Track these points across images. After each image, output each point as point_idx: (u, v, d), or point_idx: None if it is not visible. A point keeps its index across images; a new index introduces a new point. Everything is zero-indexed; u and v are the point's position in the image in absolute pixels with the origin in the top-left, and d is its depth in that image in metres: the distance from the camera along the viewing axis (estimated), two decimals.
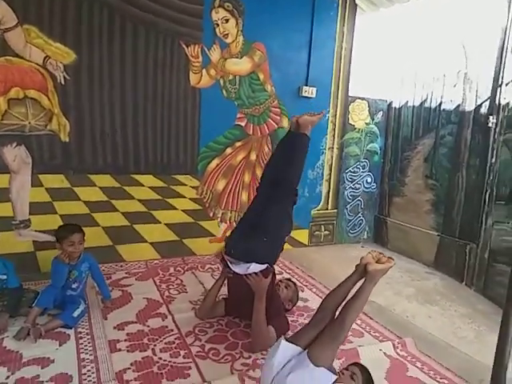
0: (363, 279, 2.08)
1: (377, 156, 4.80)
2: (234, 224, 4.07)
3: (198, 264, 3.73)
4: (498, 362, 1.97)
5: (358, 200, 4.79)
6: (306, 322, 2.79)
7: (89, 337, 2.45)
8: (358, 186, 4.75)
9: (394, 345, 2.54)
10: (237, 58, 3.80)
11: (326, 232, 4.67)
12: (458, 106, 3.94)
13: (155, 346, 2.41)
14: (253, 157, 4.05)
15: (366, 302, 2.02)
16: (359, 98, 4.55)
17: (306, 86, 4.14)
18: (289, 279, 3.05)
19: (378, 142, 4.77)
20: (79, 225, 2.74)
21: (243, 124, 3.95)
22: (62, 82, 3.17)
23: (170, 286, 3.25)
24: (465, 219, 3.86)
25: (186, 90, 3.63)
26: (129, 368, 2.18)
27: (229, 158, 3.93)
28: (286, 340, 1.92)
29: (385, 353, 2.48)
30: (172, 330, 2.59)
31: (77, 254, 2.66)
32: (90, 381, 2.06)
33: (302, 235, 4.48)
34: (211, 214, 3.96)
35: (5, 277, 2.60)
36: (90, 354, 2.28)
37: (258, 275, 2.44)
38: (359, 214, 4.83)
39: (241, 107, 3.91)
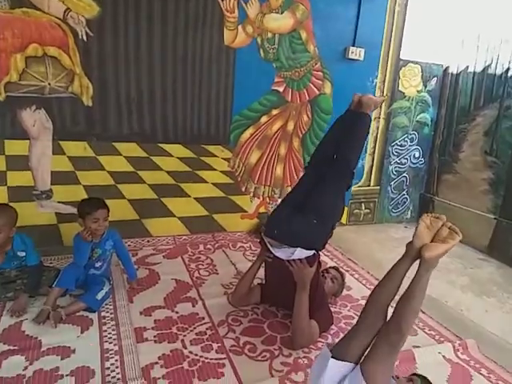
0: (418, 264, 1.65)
1: (427, 128, 4.32)
2: (268, 200, 3.77)
3: (228, 242, 3.46)
4: None
5: (404, 176, 4.37)
6: (351, 314, 2.55)
7: (113, 323, 2.24)
8: (404, 160, 4.32)
9: (454, 347, 2.22)
10: (277, 13, 3.36)
11: (367, 210, 4.30)
12: None
13: (185, 336, 2.17)
14: (290, 126, 3.67)
15: (423, 297, 1.60)
16: (412, 62, 4.04)
17: (354, 46, 3.66)
18: (336, 268, 2.71)
19: (430, 112, 4.28)
20: (103, 199, 2.48)
21: (281, 89, 3.54)
22: (85, 39, 2.84)
23: (200, 266, 3.01)
24: None
25: (219, 49, 3.24)
26: (156, 363, 1.95)
27: (264, 128, 3.56)
28: (332, 354, 1.60)
29: (444, 356, 2.17)
30: (203, 318, 2.35)
31: (101, 231, 2.41)
32: (114, 377, 1.84)
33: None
34: (243, 189, 3.65)
35: (23, 254, 2.39)
36: (115, 344, 2.06)
37: (302, 262, 2.13)
38: (403, 192, 4.42)
39: (279, 70, 3.50)
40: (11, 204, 2.91)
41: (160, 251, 3.19)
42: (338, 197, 2.30)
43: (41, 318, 2.17)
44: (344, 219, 4.18)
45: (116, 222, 3.21)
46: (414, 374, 1.76)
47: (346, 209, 4.11)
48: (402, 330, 1.50)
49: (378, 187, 4.27)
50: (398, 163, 4.30)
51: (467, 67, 3.97)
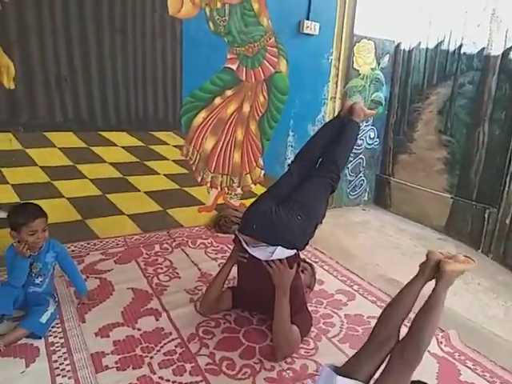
0: (434, 281, 1.62)
1: (381, 107, 4.25)
2: (226, 190, 3.49)
3: (187, 239, 3.15)
4: None
5: (360, 158, 4.29)
6: (328, 311, 2.39)
7: (64, 350, 1.88)
8: (360, 141, 4.22)
9: (437, 339, 2.14)
10: None
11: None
12: (483, 49, 3.40)
13: (152, 358, 1.87)
14: (246, 108, 3.38)
15: (441, 312, 1.56)
16: (365, 38, 3.91)
17: (308, 20, 3.43)
18: (303, 260, 2.54)
19: (384, 90, 4.20)
20: (38, 205, 2.06)
21: (235, 67, 3.23)
22: None
23: (159, 270, 2.68)
24: (484, 180, 3.46)
25: (163, 20, 2.84)
26: None
27: (218, 111, 3.24)
28: (340, 373, 1.43)
29: (429, 351, 2.07)
30: (170, 334, 2.06)
31: (40, 244, 2.00)
32: None
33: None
34: (199, 179, 3.33)
35: None
36: (69, 377, 1.72)
37: (282, 263, 1.91)
38: (360, 174, 4.36)
39: (232, 45, 3.17)
40: None
41: (110, 255, 2.80)
42: (322, 197, 2.15)
43: None
44: None
45: (55, 225, 2.77)
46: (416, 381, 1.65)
47: None
48: (419, 348, 1.45)
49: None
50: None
51: (419, 43, 3.91)
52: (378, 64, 4.07)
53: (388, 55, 4.10)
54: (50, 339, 1.94)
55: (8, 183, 2.59)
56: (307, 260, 2.60)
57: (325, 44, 3.66)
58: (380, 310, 2.36)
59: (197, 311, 2.26)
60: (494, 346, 2.20)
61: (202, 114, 3.19)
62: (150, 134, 3.02)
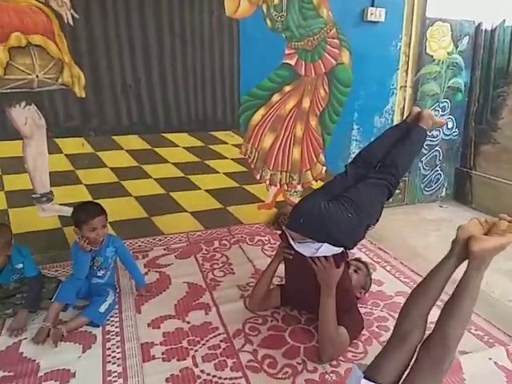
0: (466, 263, 1.39)
1: (460, 94, 3.86)
2: (286, 187, 3.46)
3: (245, 236, 3.19)
4: None
5: (436, 150, 3.95)
6: (384, 314, 2.25)
7: (118, 338, 2.02)
8: (435, 133, 3.89)
9: (507, 350, 1.90)
10: None
11: (396, 191, 3.90)
12: None
13: (196, 351, 1.93)
14: (306, 103, 3.31)
15: (474, 303, 1.35)
16: (440, 20, 3.57)
17: (373, 6, 3.24)
18: (358, 259, 2.43)
19: (463, 76, 3.81)
20: (99, 203, 2.25)
21: (293, 62, 3.17)
22: (71, 23, 2.57)
23: (215, 266, 2.76)
24: None
25: (220, 22, 2.89)
26: None
27: (277, 107, 3.22)
28: (365, 376, 1.33)
29: (496, 362, 1.85)
30: (217, 329, 2.10)
31: (100, 240, 2.18)
32: None
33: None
34: (258, 177, 3.35)
35: (21, 265, 2.19)
36: (118, 365, 1.84)
37: (328, 261, 1.84)
38: (437, 168, 4.01)
39: (290, 40, 3.12)
40: (11, 210, 2.76)
41: (172, 251, 2.96)
42: (377, 199, 2.01)
43: (40, 337, 1.98)
44: None
45: (124, 222, 3.03)
46: None
47: None
48: (447, 344, 1.27)
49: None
50: (429, 136, 3.85)
51: (504, 21, 3.47)
52: (456, 47, 3.70)
53: (467, 37, 3.70)
54: (107, 328, 2.10)
55: (82, 183, 2.86)
56: (363, 259, 2.47)
57: (392, 30, 3.43)
58: None
59: (246, 307, 2.28)
60: None
61: (261, 112, 3.19)
62: (210, 133, 3.11)
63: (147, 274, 2.62)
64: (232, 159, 3.23)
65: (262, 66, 3.11)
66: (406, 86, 3.63)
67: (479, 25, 3.69)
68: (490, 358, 1.87)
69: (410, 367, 1.34)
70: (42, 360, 1.87)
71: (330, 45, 3.25)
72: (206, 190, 3.22)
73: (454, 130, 3.94)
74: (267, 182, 3.39)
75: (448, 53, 3.68)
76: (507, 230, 1.36)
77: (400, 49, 3.50)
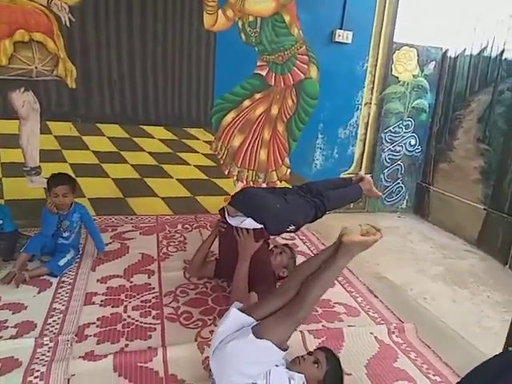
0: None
1: (424, 114, 4.18)
2: (252, 184, 3.83)
3: (208, 223, 3.57)
4: None
5: (398, 164, 4.27)
6: None
7: (69, 287, 2.43)
8: (399, 148, 4.21)
9: (389, 329, 2.21)
10: None
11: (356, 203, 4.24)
12: None
13: (130, 303, 2.32)
14: (274, 111, 3.70)
15: (334, 277, 1.74)
16: (407, 45, 3.93)
17: (341, 29, 3.62)
18: (286, 245, 2.78)
19: (428, 97, 4.13)
20: (69, 175, 2.68)
21: (264, 73, 3.58)
22: (68, 25, 3.04)
23: (171, 243, 3.15)
24: None
25: (199, 33, 3.33)
26: (93, 323, 2.11)
27: (247, 112, 3.62)
28: (241, 309, 1.69)
29: (376, 337, 2.16)
30: (153, 288, 2.48)
31: (62, 205, 2.60)
32: (51, 331, 2.02)
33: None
34: (226, 172, 3.74)
35: (0, 221, 2.64)
36: (63, 305, 2.24)
37: (249, 233, 2.26)
38: (398, 181, 4.32)
39: (262, 53, 3.53)
40: (4, 179, 3.23)
41: (139, 228, 3.36)
42: (303, 211, 2.39)
43: (7, 278, 2.40)
44: None
45: (101, 199, 3.45)
46: (320, 349, 1.80)
47: None
48: (304, 299, 1.59)
49: (370, 174, 4.19)
50: (392, 150, 4.20)
51: (464, 50, 3.79)
52: (422, 71, 4.03)
53: (434, 62, 4.03)
54: (63, 278, 2.51)
55: (67, 162, 3.31)
56: (290, 245, 2.80)
57: (359, 52, 3.80)
58: (353, 300, 2.53)
59: (184, 276, 2.65)
60: (455, 348, 2.17)
61: (232, 115, 3.60)
62: (184, 129, 3.53)
63: (111, 243, 3.03)
64: (203, 154, 3.63)
65: (236, 74, 3.53)
66: (370, 103, 3.98)
67: (446, 51, 4.02)
68: (371, 333, 2.18)
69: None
70: (4, 295, 2.28)
71: (299, 60, 3.64)
72: (178, 179, 3.63)
73: (416, 147, 4.25)
74: (234, 177, 3.77)
75: (413, 75, 4.02)
76: (373, 233, 1.76)
77: (366, 69, 3.86)
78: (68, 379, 1.71)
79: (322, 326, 2.24)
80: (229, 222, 2.33)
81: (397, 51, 3.91)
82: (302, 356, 1.73)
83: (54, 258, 2.57)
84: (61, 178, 2.62)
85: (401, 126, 4.14)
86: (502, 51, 3.39)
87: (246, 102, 3.60)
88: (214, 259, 2.67)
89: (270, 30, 3.50)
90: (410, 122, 4.15)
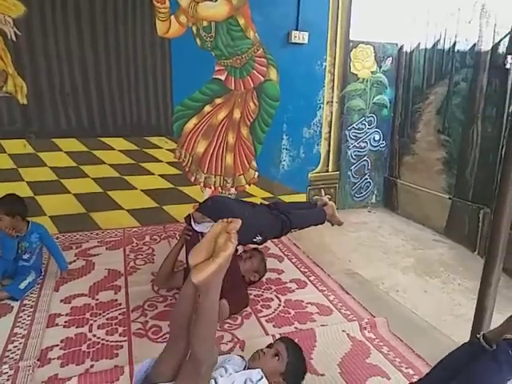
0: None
1: (386, 110, 4.24)
2: (220, 190, 3.79)
3: (178, 232, 3.49)
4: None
5: (365, 160, 4.31)
6: (271, 296, 2.56)
7: (31, 310, 2.32)
8: (363, 144, 4.26)
9: (360, 325, 2.20)
10: (211, 0, 3.36)
11: (327, 196, 4.23)
12: (474, 45, 3.32)
13: (95, 321, 2.23)
14: (237, 114, 3.67)
15: (212, 320, 1.41)
16: (363, 43, 3.98)
17: (296, 30, 3.63)
18: (255, 248, 2.74)
19: (387, 93, 4.20)
20: (10, 198, 2.55)
21: (223, 77, 3.55)
22: (14, 39, 2.93)
23: (139, 256, 3.06)
24: (479, 180, 3.32)
25: (152, 40, 3.28)
26: (57, 345, 2.02)
27: (208, 117, 3.58)
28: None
29: (348, 334, 2.15)
30: (120, 305, 2.40)
31: (5, 229, 2.45)
32: (12, 358, 1.91)
33: (298, 200, 4.10)
34: (193, 179, 3.68)
35: None
36: (25, 329, 2.14)
37: None
38: (366, 176, 4.36)
39: (219, 58, 3.50)
40: None
41: (105, 243, 3.26)
42: (270, 223, 2.44)
43: None
44: None
45: (63, 216, 3.34)
46: (279, 339, 1.78)
47: (304, 195, 4.12)
48: (196, 357, 1.36)
49: (338, 172, 4.23)
50: (357, 147, 4.24)
51: (419, 44, 3.87)
52: (380, 67, 4.10)
53: (390, 58, 4.11)
54: (25, 301, 2.40)
55: (24, 180, 3.18)
56: (258, 248, 2.77)
57: (317, 51, 3.82)
58: (325, 299, 2.51)
59: (152, 287, 2.58)
60: (427, 339, 2.18)
61: (193, 121, 3.55)
62: (145, 139, 3.46)
63: (75, 261, 2.92)
64: (167, 162, 3.56)
65: (194, 80, 3.48)
66: (332, 102, 4.01)
67: (401, 47, 4.10)
68: (343, 330, 2.17)
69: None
70: None
71: (257, 63, 3.63)
72: (142, 190, 3.54)
73: (381, 142, 4.31)
74: (201, 184, 3.72)
75: (372, 72, 4.07)
76: (222, 248, 1.35)
77: (325, 68, 3.89)
78: None
79: (295, 328, 2.21)
80: (194, 228, 2.29)
81: (354, 49, 3.96)
82: (262, 350, 1.70)
83: (15, 282, 2.46)
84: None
85: (364, 122, 4.18)
86: (454, 43, 3.48)
87: (207, 108, 3.56)
88: (182, 269, 2.60)
89: (226, 34, 3.48)
90: (372, 118, 4.20)
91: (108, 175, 3.41)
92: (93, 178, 3.38)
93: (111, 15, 3.12)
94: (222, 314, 2.20)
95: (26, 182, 3.19)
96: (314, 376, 1.85)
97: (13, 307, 2.34)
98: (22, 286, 2.44)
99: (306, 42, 3.68)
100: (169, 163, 3.57)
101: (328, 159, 4.16)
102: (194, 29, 3.38)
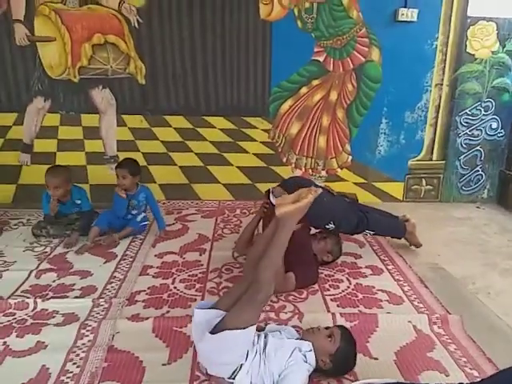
0: None
1: (507, 95, 3.74)
2: (310, 172, 3.83)
3: None
4: None
5: (477, 150, 3.89)
6: (342, 278, 2.57)
7: (131, 260, 2.72)
8: (477, 132, 3.84)
9: (430, 319, 2.07)
10: None
11: (429, 187, 3.98)
12: None
13: (178, 276, 2.53)
14: (333, 96, 3.64)
15: (281, 252, 1.72)
16: (483, 19, 3.56)
17: (405, 7, 3.42)
18: (334, 232, 2.74)
19: (510, 76, 3.70)
20: (132, 160, 3.03)
21: (321, 59, 3.54)
22: (136, 26, 3.37)
23: (227, 226, 3.31)
24: None
25: (255, 24, 3.43)
26: (144, 291, 2.36)
27: (304, 99, 3.63)
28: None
29: (414, 326, 2.04)
30: (202, 265, 2.67)
31: (124, 186, 2.94)
32: (108, 295, 2.30)
33: (394, 188, 3.93)
34: (284, 160, 3.79)
35: (79, 201, 3.05)
36: (122, 274, 2.53)
37: None
38: (477, 168, 3.94)
39: (319, 39, 3.50)
40: (88, 166, 3.69)
41: (201, 212, 3.59)
42: (349, 214, 2.60)
43: (81, 249, 2.80)
44: (400, 195, 3.96)
45: (170, 185, 3.78)
46: (340, 326, 1.79)
47: (402, 184, 3.93)
48: (257, 285, 1.58)
49: (443, 162, 3.91)
50: (469, 135, 3.85)
51: None
52: (503, 47, 3.62)
53: None
54: (127, 252, 2.82)
55: (139, 151, 3.66)
56: (337, 233, 2.76)
57: (427, 29, 3.54)
58: (398, 288, 2.45)
59: (233, 256, 2.79)
60: (507, 346, 1.97)
61: (289, 102, 3.64)
62: (243, 118, 3.67)
63: (174, 224, 3.30)
64: (261, 142, 3.73)
65: (293, 62, 3.55)
66: (442, 84, 3.69)
67: None
68: (409, 321, 2.06)
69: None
70: (77, 264, 2.65)
71: (359, 43, 3.53)
72: (238, 167, 3.78)
73: (499, 131, 3.83)
74: (293, 165, 3.81)
75: (493, 52, 3.62)
76: (303, 196, 1.73)
77: (436, 48, 3.59)
78: (113, 335, 1.94)
79: (359, 310, 2.20)
80: (272, 202, 2.42)
81: (471, 26, 3.57)
82: (318, 327, 1.75)
83: (132, 220, 3.02)
84: (122, 162, 2.98)
85: (479, 107, 3.77)
86: None
87: (304, 89, 3.61)
88: None
89: (328, 15, 3.45)
90: (490, 103, 3.76)
91: (209, 151, 3.72)
92: (196, 153, 3.72)
93: (219, 2, 3.35)
94: (287, 285, 2.30)
95: (142, 152, 3.67)
96: (366, 358, 1.83)
97: (117, 256, 2.77)
98: (139, 219, 3.04)
99: (414, 19, 3.45)
100: (263, 143, 3.74)
101: (433, 147, 3.87)
102: (296, 11, 3.43)
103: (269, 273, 1.62)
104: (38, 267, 2.58)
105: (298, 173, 3.82)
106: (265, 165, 3.79)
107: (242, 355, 1.57)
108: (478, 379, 1.68)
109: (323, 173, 3.83)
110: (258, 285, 1.58)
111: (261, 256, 1.68)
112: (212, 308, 1.65)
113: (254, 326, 1.56)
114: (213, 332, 1.52)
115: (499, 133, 3.85)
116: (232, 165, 3.77)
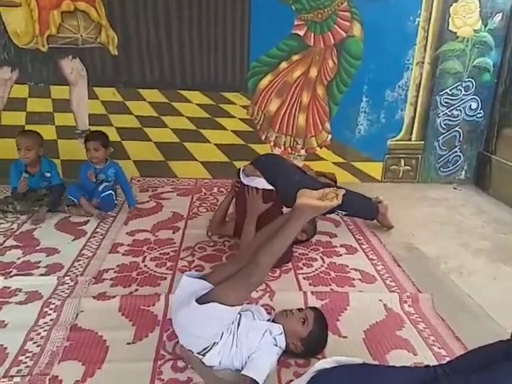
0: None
1: (488, 74, 3.72)
2: (289, 150, 3.77)
3: None
4: None
5: (456, 131, 3.88)
6: (316, 257, 2.55)
7: (101, 237, 2.64)
8: (456, 112, 3.82)
9: (401, 298, 2.07)
10: None
11: (407, 167, 3.96)
12: None
13: (149, 254, 2.46)
14: (313, 73, 3.55)
15: (287, 241, 1.63)
16: None
17: None
18: None
19: (492, 55, 3.66)
20: (102, 133, 2.95)
21: (302, 33, 3.43)
22: None
23: (203, 204, 3.24)
24: None
25: None
26: (112, 268, 2.29)
27: (284, 74, 3.53)
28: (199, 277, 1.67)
29: (385, 304, 2.04)
30: (174, 243, 2.60)
31: (94, 159, 2.88)
32: (74, 273, 2.23)
33: (373, 168, 3.90)
34: (263, 137, 3.71)
35: (49, 174, 2.94)
36: (91, 252, 2.46)
37: (258, 193, 2.36)
38: (456, 149, 3.94)
39: (299, 12, 3.38)
40: (59, 141, 3.54)
41: (177, 190, 3.51)
42: None
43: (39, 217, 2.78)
44: (378, 175, 3.94)
45: (146, 162, 3.66)
46: (312, 308, 1.76)
47: (381, 164, 3.91)
48: (258, 264, 1.54)
49: (422, 142, 3.89)
50: (449, 115, 3.82)
51: None
52: (485, 25, 3.57)
53: (500, 14, 3.54)
54: (98, 229, 2.74)
55: (113, 126, 3.53)
56: None
57: (410, 5, 3.47)
58: (372, 267, 2.44)
59: (207, 235, 2.74)
60: (476, 325, 1.98)
61: (268, 78, 3.53)
62: (220, 94, 3.56)
63: (148, 202, 3.22)
64: (239, 119, 3.64)
65: (272, 36, 3.44)
66: (423, 62, 3.64)
67: None
68: (380, 300, 2.06)
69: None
70: (44, 240, 2.56)
71: (340, 17, 3.43)
72: (215, 144, 3.69)
73: (478, 112, 3.82)
74: (272, 143, 3.73)
75: (475, 30, 3.57)
76: (327, 197, 1.64)
77: (418, 24, 3.52)
78: (77, 314, 1.88)
79: (331, 289, 2.18)
80: (242, 181, 2.38)
81: (454, 3, 3.49)
82: (291, 310, 1.72)
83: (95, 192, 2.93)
84: (93, 134, 2.89)
85: (459, 87, 3.73)
86: None
87: (283, 65, 3.51)
88: (233, 219, 2.71)
89: None
90: (470, 83, 3.73)
91: (185, 127, 3.61)
92: (171, 129, 3.61)
93: None
94: None
95: (115, 127, 3.54)
96: (335, 337, 1.82)
97: (86, 233, 2.69)
98: (100, 188, 2.92)
99: None
100: (242, 119, 3.65)
101: (412, 127, 3.83)
102: None
103: (269, 259, 1.57)
104: (3, 244, 2.49)
105: (278, 151, 3.75)
106: (243, 142, 3.71)
107: (217, 333, 1.54)
108: (446, 358, 1.69)
109: (302, 151, 3.77)
110: (255, 267, 1.53)
111: (265, 241, 1.62)
112: (201, 279, 1.62)
113: (239, 308, 1.54)
114: (198, 302, 1.49)
115: (478, 113, 3.83)
116: (209, 142, 3.68)
